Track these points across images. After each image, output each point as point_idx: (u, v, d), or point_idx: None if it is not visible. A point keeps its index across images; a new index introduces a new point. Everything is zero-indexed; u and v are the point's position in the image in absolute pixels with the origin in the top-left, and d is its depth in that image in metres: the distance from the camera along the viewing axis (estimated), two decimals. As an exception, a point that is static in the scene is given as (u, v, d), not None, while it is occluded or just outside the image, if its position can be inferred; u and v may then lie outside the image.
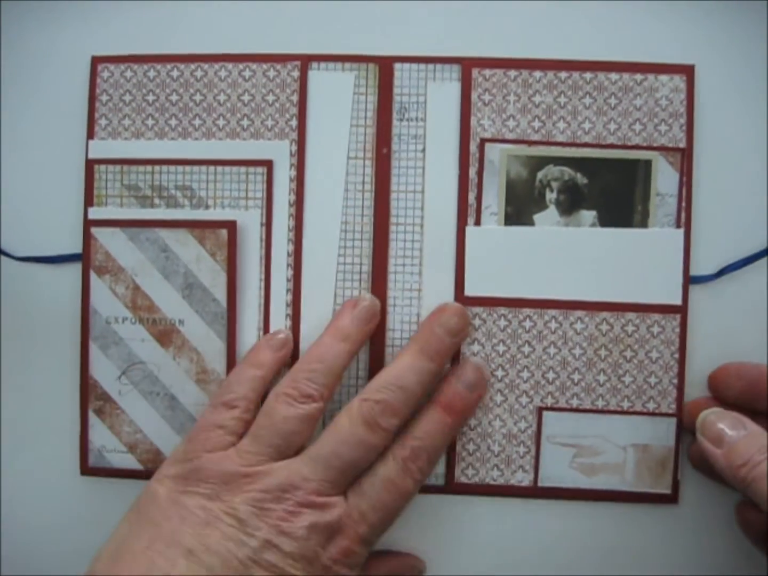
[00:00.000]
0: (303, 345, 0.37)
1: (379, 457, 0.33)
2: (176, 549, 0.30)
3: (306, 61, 0.37)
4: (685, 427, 0.37)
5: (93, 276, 0.38)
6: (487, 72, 0.37)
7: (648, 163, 0.37)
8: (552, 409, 0.37)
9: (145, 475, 0.38)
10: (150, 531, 0.31)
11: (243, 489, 0.32)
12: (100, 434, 0.38)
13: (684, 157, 0.37)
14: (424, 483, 0.34)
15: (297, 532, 0.31)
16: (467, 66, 0.37)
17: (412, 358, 0.34)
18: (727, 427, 0.32)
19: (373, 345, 0.37)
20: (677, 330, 0.37)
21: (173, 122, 0.38)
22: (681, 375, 0.37)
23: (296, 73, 0.37)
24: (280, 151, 0.37)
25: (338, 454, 0.32)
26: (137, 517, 0.32)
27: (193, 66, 0.38)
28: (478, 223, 0.37)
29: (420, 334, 0.35)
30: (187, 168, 0.38)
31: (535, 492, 0.37)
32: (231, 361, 0.37)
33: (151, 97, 0.38)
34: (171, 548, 0.30)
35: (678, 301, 0.37)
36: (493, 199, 0.37)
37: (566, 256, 0.37)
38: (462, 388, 0.35)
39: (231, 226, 0.37)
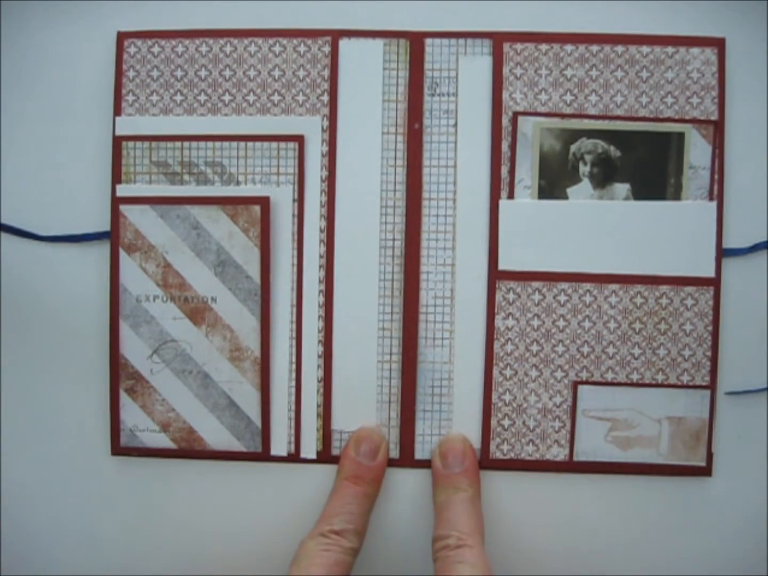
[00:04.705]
0: (337, 320, 0.37)
1: None
2: None
3: (337, 36, 0.37)
4: None
5: (122, 254, 0.37)
6: (519, 46, 0.37)
7: (681, 136, 0.37)
8: (587, 383, 0.37)
9: (178, 454, 0.38)
10: None
11: None
12: (131, 414, 0.38)
13: (716, 130, 0.37)
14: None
15: None
16: (498, 40, 0.37)
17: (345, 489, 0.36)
18: None
19: (406, 321, 0.37)
20: (710, 302, 0.37)
21: (202, 98, 0.37)
22: (714, 347, 0.37)
23: (327, 48, 0.37)
24: (311, 127, 0.37)
25: None
26: None
27: (222, 41, 0.37)
28: (511, 196, 0.37)
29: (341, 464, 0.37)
30: (217, 144, 0.37)
31: (571, 467, 0.37)
32: (265, 339, 0.37)
33: (179, 73, 0.38)
34: None
35: (711, 274, 0.37)
36: (527, 173, 0.37)
37: (600, 229, 0.37)
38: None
39: (264, 202, 0.37)
